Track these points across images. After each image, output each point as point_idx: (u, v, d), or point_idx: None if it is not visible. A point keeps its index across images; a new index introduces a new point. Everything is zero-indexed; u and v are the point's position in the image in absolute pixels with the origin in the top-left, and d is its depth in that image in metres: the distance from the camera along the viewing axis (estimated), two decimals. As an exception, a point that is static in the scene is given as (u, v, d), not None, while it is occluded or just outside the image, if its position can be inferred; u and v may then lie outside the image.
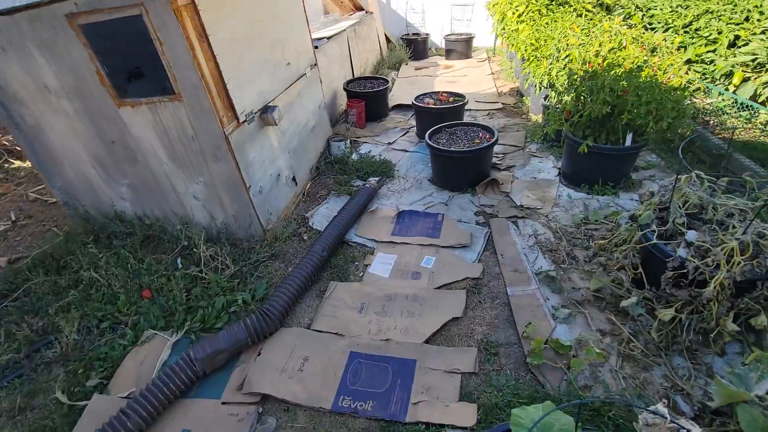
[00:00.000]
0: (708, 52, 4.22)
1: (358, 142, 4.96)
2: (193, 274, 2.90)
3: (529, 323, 2.33)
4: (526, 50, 5.02)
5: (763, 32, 4.03)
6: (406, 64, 8.24)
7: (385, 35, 8.63)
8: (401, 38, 8.94)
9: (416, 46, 8.53)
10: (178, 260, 3.10)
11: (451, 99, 4.90)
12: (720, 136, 3.81)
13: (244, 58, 2.90)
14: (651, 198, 2.39)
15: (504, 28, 5.92)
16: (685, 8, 5.04)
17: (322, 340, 2.44)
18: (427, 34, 8.86)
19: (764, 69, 3.63)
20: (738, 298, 2.03)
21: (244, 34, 2.91)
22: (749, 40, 4.06)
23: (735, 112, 3.79)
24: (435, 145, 3.68)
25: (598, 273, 2.47)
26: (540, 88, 4.42)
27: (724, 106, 3.94)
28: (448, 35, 8.64)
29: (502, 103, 5.90)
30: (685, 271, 2.07)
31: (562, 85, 3.57)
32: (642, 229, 2.34)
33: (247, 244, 3.16)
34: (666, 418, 1.07)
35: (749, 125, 3.84)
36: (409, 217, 3.46)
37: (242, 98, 2.89)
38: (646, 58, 3.14)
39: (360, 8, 7.95)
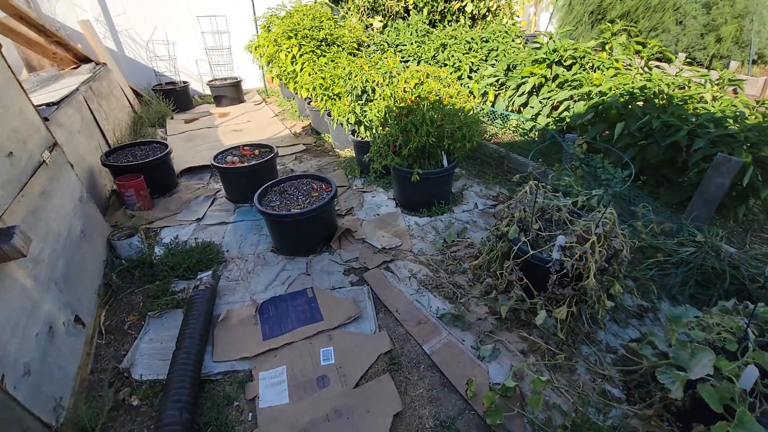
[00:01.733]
0: (458, 78, 5.18)
1: (154, 229, 3.77)
2: None
3: (470, 380, 2.14)
4: (314, 90, 4.96)
5: (485, 59, 5.24)
6: (172, 119, 7.02)
7: (131, 88, 7.11)
8: (153, 89, 7.57)
9: (177, 97, 7.38)
10: None
11: (257, 152, 4.33)
12: (492, 142, 4.71)
13: None
14: (509, 212, 2.61)
15: (279, 70, 5.73)
16: (421, 44, 6.09)
17: None
18: (185, 83, 7.81)
19: (504, 87, 4.72)
20: (602, 278, 2.41)
21: None
22: (479, 66, 5.20)
23: (490, 122, 4.77)
24: (273, 212, 3.11)
25: (501, 298, 2.52)
26: (347, 126, 4.41)
27: (484, 116, 4.89)
28: (212, 81, 7.86)
29: (304, 144, 5.71)
30: (565, 270, 2.30)
31: (375, 123, 3.60)
32: (514, 243, 2.51)
33: (27, 472, 1.81)
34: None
35: (504, 129, 4.89)
36: (275, 307, 2.78)
37: (-64, 235, 1.61)
38: (439, 89, 3.52)
39: (85, 59, 6.25)
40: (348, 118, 4.23)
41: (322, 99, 4.82)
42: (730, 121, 2.68)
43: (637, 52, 4.14)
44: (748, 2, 6.68)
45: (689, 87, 3.15)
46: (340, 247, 3.37)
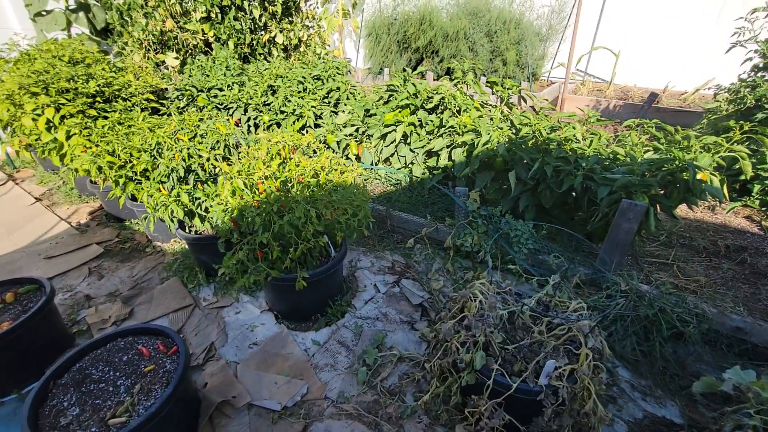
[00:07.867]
0: (301, 128, 4.32)
1: None
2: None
3: None
4: (101, 171, 3.33)
5: (328, 102, 4.54)
6: None
7: None
8: None
9: None
10: None
11: (8, 296, 2.51)
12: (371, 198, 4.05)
13: None
14: (466, 332, 1.92)
15: (30, 139, 3.75)
16: (242, 86, 4.99)
17: None
18: None
19: (365, 136, 4.09)
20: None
21: None
22: (322, 111, 4.48)
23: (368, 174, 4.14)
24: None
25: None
26: (171, 222, 3.01)
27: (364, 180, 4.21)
28: None
29: (98, 243, 3.87)
30: (559, 398, 1.76)
31: (224, 220, 2.42)
32: (485, 375, 1.85)
33: None
34: None
35: (370, 179, 4.30)
36: None
37: None
38: (313, 164, 2.59)
39: None
40: (172, 211, 2.87)
41: (117, 183, 3.25)
42: (618, 162, 2.73)
43: (490, 87, 4.13)
44: (520, 31, 8.02)
45: (562, 128, 3.16)
46: (214, 436, 2.10)
